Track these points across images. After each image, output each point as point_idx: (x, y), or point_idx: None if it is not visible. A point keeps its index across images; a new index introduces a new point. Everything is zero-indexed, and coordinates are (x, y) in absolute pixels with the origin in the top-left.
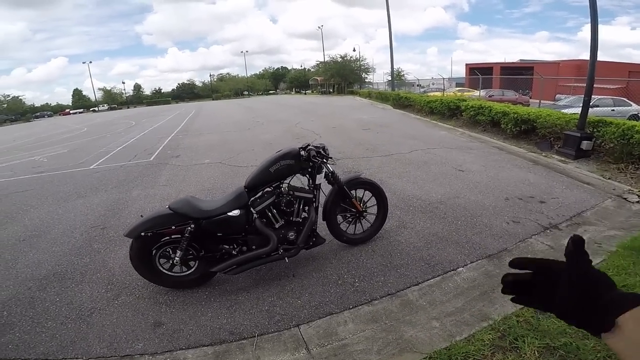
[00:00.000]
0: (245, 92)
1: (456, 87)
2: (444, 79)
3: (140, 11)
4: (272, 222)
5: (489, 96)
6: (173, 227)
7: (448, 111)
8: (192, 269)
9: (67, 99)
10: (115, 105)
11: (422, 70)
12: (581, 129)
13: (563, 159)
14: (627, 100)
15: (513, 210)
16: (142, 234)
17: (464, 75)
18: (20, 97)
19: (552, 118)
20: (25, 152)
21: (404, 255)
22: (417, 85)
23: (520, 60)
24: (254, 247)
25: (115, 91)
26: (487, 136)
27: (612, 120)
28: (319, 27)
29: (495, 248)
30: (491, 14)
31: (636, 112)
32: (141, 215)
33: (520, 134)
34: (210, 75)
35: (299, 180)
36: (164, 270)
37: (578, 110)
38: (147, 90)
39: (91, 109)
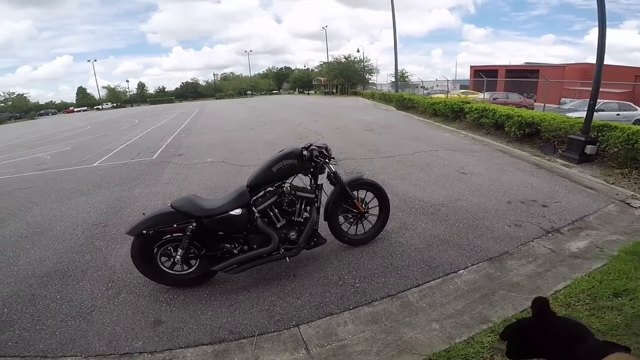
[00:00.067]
0: (249, 92)
1: (460, 89)
2: (448, 81)
3: (146, 10)
4: (273, 222)
5: (493, 99)
6: (175, 226)
7: (451, 113)
8: (193, 268)
9: (71, 97)
10: (119, 104)
11: (426, 72)
12: (586, 133)
13: (566, 163)
14: (633, 105)
15: (515, 214)
16: (144, 231)
17: (469, 78)
18: (24, 95)
19: (556, 122)
20: (28, 149)
21: (405, 257)
22: (421, 87)
23: (526, 63)
24: (255, 246)
25: (119, 89)
26: (491, 139)
27: (617, 125)
28: (323, 28)
29: (497, 251)
30: (497, 16)
31: None
32: (143, 213)
33: (524, 137)
34: (214, 74)
35: (301, 180)
36: (164, 269)
37: (583, 114)
38: (151, 89)
39: (95, 107)
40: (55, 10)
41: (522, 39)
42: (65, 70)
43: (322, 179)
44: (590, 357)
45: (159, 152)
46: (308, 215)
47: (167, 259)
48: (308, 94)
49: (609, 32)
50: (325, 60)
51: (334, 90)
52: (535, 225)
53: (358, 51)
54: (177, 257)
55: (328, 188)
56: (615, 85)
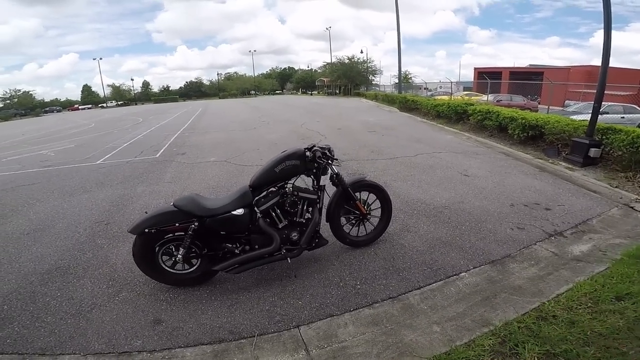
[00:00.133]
0: (252, 92)
1: (464, 91)
2: (451, 82)
3: (152, 9)
4: (275, 222)
5: (497, 101)
6: (177, 225)
7: (455, 115)
8: (194, 267)
9: (76, 95)
10: (124, 102)
11: (430, 74)
12: (590, 136)
13: (570, 166)
14: (638, 108)
15: (518, 217)
16: (146, 230)
17: (472, 79)
18: (30, 92)
19: (560, 124)
20: (33, 146)
21: (407, 259)
22: (425, 89)
23: (530, 65)
24: (256, 246)
25: (124, 88)
26: (494, 141)
27: (621, 128)
28: (327, 29)
29: (499, 254)
30: (501, 18)
31: None
32: (145, 212)
33: (527, 139)
34: (217, 74)
35: (304, 181)
36: (166, 268)
37: (587, 116)
38: (155, 88)
39: (99, 105)
40: (63, 9)
41: (527, 41)
42: (71, 68)
43: (325, 180)
44: None
45: (162, 150)
46: (310, 216)
47: (168, 257)
48: (311, 94)
49: (615, 34)
50: (329, 61)
51: (337, 91)
52: (538, 229)
53: (362, 52)
54: (179, 256)
55: (330, 189)
56: (620, 88)
